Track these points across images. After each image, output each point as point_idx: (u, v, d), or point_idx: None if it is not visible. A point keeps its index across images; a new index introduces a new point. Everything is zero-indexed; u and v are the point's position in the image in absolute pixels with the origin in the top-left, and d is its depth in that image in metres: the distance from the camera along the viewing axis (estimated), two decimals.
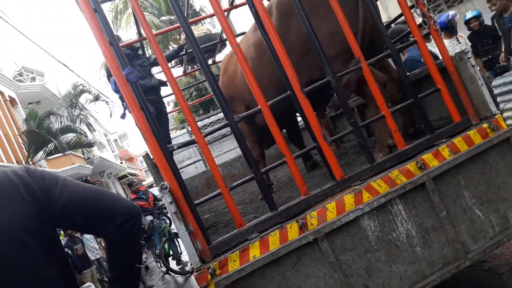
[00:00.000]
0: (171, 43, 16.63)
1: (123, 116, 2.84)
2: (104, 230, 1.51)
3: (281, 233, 2.18)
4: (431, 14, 2.62)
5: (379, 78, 2.84)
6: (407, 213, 2.31)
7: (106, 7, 5.37)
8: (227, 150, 6.62)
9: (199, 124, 7.29)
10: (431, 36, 2.81)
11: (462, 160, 2.41)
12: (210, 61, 7.13)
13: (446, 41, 5.75)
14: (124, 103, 2.26)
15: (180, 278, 7.47)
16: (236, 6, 5.09)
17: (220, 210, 3.82)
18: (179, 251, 7.81)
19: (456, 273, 2.33)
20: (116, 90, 2.29)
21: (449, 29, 5.80)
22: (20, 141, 14.71)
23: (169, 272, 7.66)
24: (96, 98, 19.62)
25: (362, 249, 2.23)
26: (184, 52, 5.84)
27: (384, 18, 8.03)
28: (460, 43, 5.75)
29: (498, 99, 4.90)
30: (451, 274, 2.30)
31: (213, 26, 15.43)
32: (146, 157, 2.78)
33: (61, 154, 15.22)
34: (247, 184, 4.69)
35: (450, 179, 2.41)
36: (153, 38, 2.43)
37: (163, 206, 7.87)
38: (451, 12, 5.89)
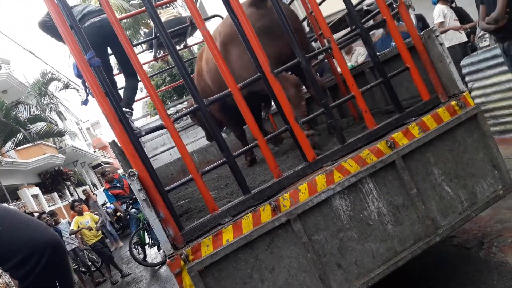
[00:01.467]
0: (142, 27, 16.24)
1: (85, 102, 2.73)
2: (4, 268, 1.25)
3: (254, 216, 2.16)
4: None
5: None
6: (378, 191, 2.33)
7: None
8: (202, 136, 6.54)
9: (173, 109, 7.17)
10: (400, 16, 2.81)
11: (431, 138, 2.44)
12: (182, 45, 7.00)
13: (443, 6, 5.81)
14: (87, 89, 2.17)
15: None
16: None
17: (195, 197, 3.78)
18: (156, 238, 7.77)
19: (426, 249, 2.38)
20: (79, 75, 2.19)
21: None
22: None
23: (141, 264, 7.60)
24: (66, 86, 19.06)
25: (334, 229, 2.25)
26: (153, 36, 5.69)
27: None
28: (453, 7, 5.78)
29: (466, 78, 5.00)
30: (422, 250, 2.36)
31: (184, 10, 15.11)
32: (113, 144, 2.70)
33: (31, 144, 14.78)
34: (223, 169, 4.67)
35: (420, 157, 2.44)
36: (117, 21, 2.34)
37: None
38: None
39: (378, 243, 2.31)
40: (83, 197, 13.02)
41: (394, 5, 2.71)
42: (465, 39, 5.92)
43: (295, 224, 2.17)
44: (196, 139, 6.50)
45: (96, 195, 13.00)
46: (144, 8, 3.95)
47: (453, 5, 6.27)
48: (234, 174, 2.34)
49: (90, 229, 7.82)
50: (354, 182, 2.28)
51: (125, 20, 14.35)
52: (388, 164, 2.35)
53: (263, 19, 3.08)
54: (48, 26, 4.51)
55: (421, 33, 2.66)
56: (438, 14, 5.75)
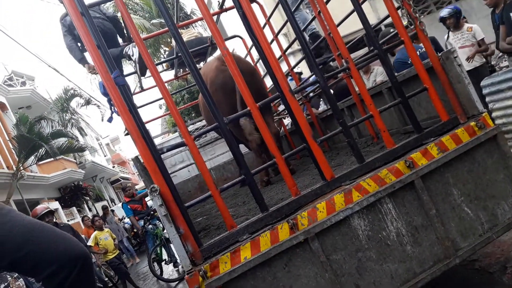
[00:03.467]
0: (162, 46, 16.60)
1: (110, 119, 2.83)
2: (37, 278, 1.30)
3: (272, 234, 2.18)
4: (417, 15, 2.65)
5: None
6: (397, 211, 2.32)
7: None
8: (220, 153, 6.61)
9: (192, 127, 7.28)
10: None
11: (450, 158, 2.44)
12: (201, 64, 7.14)
13: (456, 33, 5.79)
14: (112, 106, 2.25)
15: (174, 283, 7.44)
16: (226, 10, 5.09)
17: (212, 214, 3.81)
18: (173, 255, 7.80)
19: (447, 272, 2.35)
20: (105, 93, 2.28)
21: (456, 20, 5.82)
22: (11, 146, 14.59)
23: (160, 280, 7.63)
24: (87, 102, 19.53)
25: (352, 249, 2.24)
26: (175, 56, 5.83)
27: (374, 20, 8.08)
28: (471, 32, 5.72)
29: (487, 99, 4.95)
30: (441, 272, 2.32)
31: (204, 30, 15.43)
32: (136, 160, 2.77)
33: (52, 159, 15.10)
34: (240, 187, 4.71)
35: (439, 177, 2.43)
36: (141, 41, 2.43)
37: (155, 209, 7.85)
38: (447, 9, 5.89)
39: (397, 264, 2.29)
40: (101, 212, 13.16)
41: (411, 27, 2.74)
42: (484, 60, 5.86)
43: (313, 243, 2.18)
44: (214, 156, 6.57)
45: (114, 211, 13.12)
46: (166, 28, 4.09)
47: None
48: (252, 191, 2.37)
49: (106, 251, 7.89)
50: (372, 202, 2.28)
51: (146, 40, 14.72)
52: (407, 184, 2.34)
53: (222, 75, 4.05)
54: (73, 48, 4.73)
55: (439, 54, 2.68)
56: (480, 32, 5.70)
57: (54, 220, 8.03)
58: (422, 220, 2.35)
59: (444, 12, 5.77)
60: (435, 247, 2.35)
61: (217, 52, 4.30)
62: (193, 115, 17.20)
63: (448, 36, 5.97)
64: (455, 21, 5.72)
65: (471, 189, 2.48)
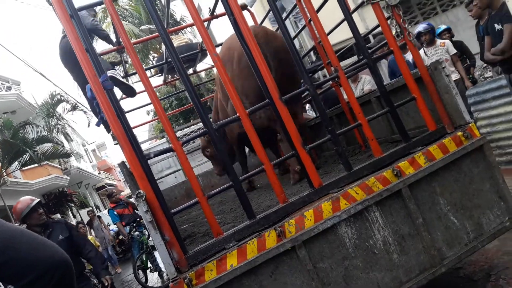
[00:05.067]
0: (151, 52, 16.56)
1: (98, 123, 2.80)
2: (16, 286, 1.29)
3: (259, 242, 2.16)
4: (406, 25, 2.68)
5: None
6: (384, 220, 2.32)
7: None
8: (207, 160, 6.58)
9: (180, 133, 7.24)
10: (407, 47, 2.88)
11: (437, 167, 2.45)
12: (190, 71, 7.12)
13: (429, 48, 5.89)
14: (100, 110, 2.23)
15: None
16: (216, 16, 5.10)
17: (199, 220, 3.77)
18: (157, 263, 7.69)
19: (432, 279, 2.35)
20: (92, 97, 2.25)
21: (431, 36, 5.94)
22: None
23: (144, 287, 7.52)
24: (74, 108, 19.27)
25: (339, 257, 2.23)
26: (164, 61, 5.82)
27: (362, 29, 8.17)
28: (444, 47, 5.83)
29: (472, 108, 5.04)
30: (427, 281, 2.33)
31: (193, 36, 15.44)
32: (122, 165, 2.73)
33: (36, 165, 14.85)
34: (228, 194, 4.67)
35: (426, 186, 2.44)
36: (131, 46, 2.42)
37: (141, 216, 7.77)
38: (423, 25, 6.02)
39: (383, 272, 2.28)
40: (86, 218, 12.95)
41: (400, 38, 2.76)
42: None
43: (300, 251, 2.16)
44: (201, 162, 6.53)
45: (101, 217, 12.90)
46: (157, 33, 4.05)
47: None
48: (240, 198, 2.35)
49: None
50: (360, 210, 2.28)
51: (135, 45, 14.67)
52: (394, 193, 2.35)
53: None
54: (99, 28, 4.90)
55: (428, 65, 2.71)
56: (453, 48, 5.83)
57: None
58: (409, 228, 2.35)
59: (421, 27, 5.93)
60: (422, 255, 2.35)
61: (250, 22, 3.83)
62: (181, 121, 17.14)
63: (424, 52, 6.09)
64: (430, 37, 5.88)
65: (458, 199, 2.49)
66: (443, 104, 2.69)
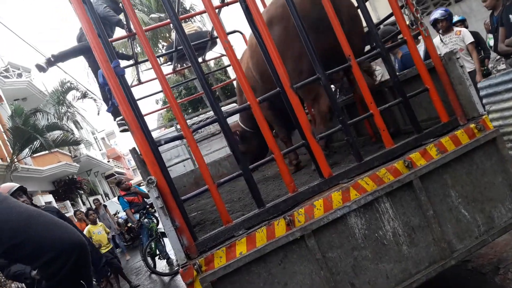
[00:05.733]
0: (161, 41, 16.55)
1: (109, 109, 2.81)
2: (33, 266, 1.32)
3: (268, 230, 2.16)
4: (418, 15, 2.63)
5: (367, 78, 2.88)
6: (394, 211, 2.31)
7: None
8: (216, 149, 6.59)
9: (188, 122, 7.25)
10: (420, 37, 2.83)
11: (449, 159, 2.43)
12: (200, 59, 7.11)
13: (445, 36, 5.75)
14: (112, 96, 2.23)
15: (167, 278, 7.41)
16: (227, 4, 5.07)
17: (207, 209, 3.78)
18: (165, 251, 7.77)
19: (440, 272, 2.34)
20: (104, 83, 2.25)
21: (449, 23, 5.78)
22: (5, 138, 14.46)
23: (154, 273, 7.61)
24: (84, 96, 19.38)
25: (348, 247, 2.23)
26: (174, 49, 5.82)
27: (373, 19, 8.08)
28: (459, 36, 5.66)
29: (484, 100, 4.96)
30: (437, 273, 2.32)
31: (203, 25, 15.39)
32: (133, 151, 2.74)
33: (47, 151, 15.00)
34: (236, 183, 4.69)
35: (437, 178, 2.42)
36: (143, 33, 2.41)
37: (151, 203, 7.83)
38: (440, 11, 5.85)
39: (392, 264, 2.28)
40: (93, 207, 13.09)
41: (413, 27, 2.72)
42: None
43: (309, 240, 2.16)
44: (210, 152, 6.55)
45: (106, 206, 13.02)
46: (168, 20, 4.03)
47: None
48: (249, 186, 2.35)
49: (99, 246, 7.84)
50: (370, 201, 2.27)
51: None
52: (405, 184, 2.33)
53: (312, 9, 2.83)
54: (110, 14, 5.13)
55: (442, 55, 2.67)
56: (469, 36, 5.65)
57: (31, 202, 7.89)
58: (419, 220, 2.34)
59: (437, 14, 5.71)
60: (431, 248, 2.34)
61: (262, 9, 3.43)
62: (189, 111, 17.17)
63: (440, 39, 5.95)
64: (447, 24, 5.68)
65: (469, 191, 2.47)
66: (456, 95, 2.65)
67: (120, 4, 5.52)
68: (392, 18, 2.87)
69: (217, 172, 5.99)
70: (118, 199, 9.08)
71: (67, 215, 16.40)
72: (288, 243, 2.15)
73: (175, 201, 2.16)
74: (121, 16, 5.51)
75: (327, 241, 2.21)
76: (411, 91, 2.70)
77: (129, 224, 12.50)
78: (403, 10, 2.71)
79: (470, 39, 5.58)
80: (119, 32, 5.93)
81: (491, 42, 5.95)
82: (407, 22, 2.71)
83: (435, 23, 5.65)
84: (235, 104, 7.59)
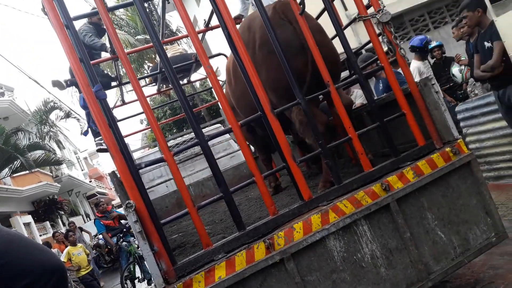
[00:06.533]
0: (146, 61, 16.60)
1: (85, 133, 2.81)
2: None
3: (247, 254, 2.16)
4: (397, 42, 2.73)
5: (346, 101, 2.94)
6: (372, 233, 2.34)
7: (79, 24, 5.41)
8: (200, 169, 6.57)
9: (172, 142, 7.24)
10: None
11: (426, 182, 2.49)
12: (185, 81, 7.17)
13: (419, 63, 5.91)
14: (90, 120, 2.24)
15: None
16: (211, 28, 5.15)
17: (189, 231, 3.76)
18: (148, 272, 7.64)
19: None
20: (84, 106, 2.26)
21: (424, 51, 5.97)
22: None
23: None
24: (67, 115, 19.22)
25: (327, 270, 2.24)
26: (158, 71, 5.86)
27: (355, 44, 8.28)
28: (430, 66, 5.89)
29: (461, 124, 5.11)
30: None
31: (189, 47, 15.53)
32: (112, 175, 2.73)
33: (27, 171, 14.73)
34: (219, 204, 4.68)
35: (414, 201, 2.47)
36: (125, 56, 2.45)
37: (129, 226, 7.73)
38: (428, 36, 6.09)
39: (370, 286, 2.30)
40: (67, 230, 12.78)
41: (391, 54, 2.81)
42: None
43: (288, 264, 2.17)
44: (193, 172, 6.52)
45: (82, 228, 12.70)
46: (151, 44, 4.08)
47: (431, 60, 6.48)
48: (230, 209, 2.36)
49: (79, 268, 7.67)
50: (348, 223, 2.30)
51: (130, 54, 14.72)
52: (383, 207, 2.38)
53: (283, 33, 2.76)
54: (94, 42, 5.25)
55: (418, 81, 2.75)
56: (414, 72, 5.77)
57: None
58: (396, 243, 2.37)
59: (416, 41, 5.91)
60: (409, 270, 2.37)
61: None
62: (174, 130, 17.11)
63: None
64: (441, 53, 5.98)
65: (445, 214, 2.53)
66: (432, 120, 2.73)
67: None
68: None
69: (200, 192, 5.96)
70: (94, 221, 8.94)
71: (46, 236, 16.03)
72: (267, 267, 2.15)
73: (154, 225, 2.15)
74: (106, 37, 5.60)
75: (306, 264, 2.22)
76: (390, 115, 2.77)
77: (109, 246, 12.24)
78: (382, 38, 2.80)
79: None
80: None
81: (454, 70, 6.21)
82: (385, 49, 2.81)
83: (431, 51, 5.88)
84: (219, 125, 7.61)
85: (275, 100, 2.92)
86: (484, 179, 2.66)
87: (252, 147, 5.03)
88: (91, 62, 2.82)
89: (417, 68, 5.74)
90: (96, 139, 5.54)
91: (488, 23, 3.91)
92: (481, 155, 4.95)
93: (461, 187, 2.61)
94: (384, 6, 2.68)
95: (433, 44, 6.56)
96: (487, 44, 3.93)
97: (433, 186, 2.53)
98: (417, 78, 5.66)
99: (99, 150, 5.69)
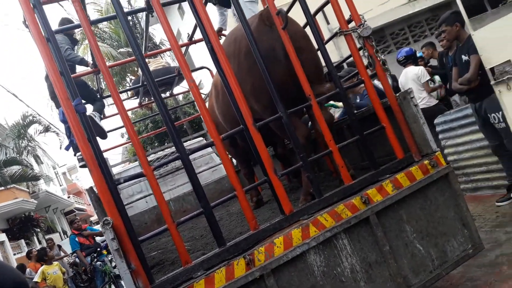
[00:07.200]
0: (129, 74, 16.49)
1: (67, 147, 2.76)
2: None
3: (227, 270, 2.13)
4: (379, 55, 2.77)
5: (326, 116, 2.96)
6: (352, 247, 2.35)
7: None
8: (181, 184, 6.50)
9: (153, 156, 7.16)
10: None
11: (404, 195, 2.52)
12: (168, 94, 7.14)
13: (418, 67, 6.03)
14: (71, 134, 2.20)
15: None
16: (195, 42, 5.17)
17: (168, 247, 3.70)
18: None
19: None
20: (63, 121, 2.22)
21: (416, 58, 6.14)
22: None
23: None
24: (46, 129, 18.87)
25: (307, 285, 2.23)
26: (140, 84, 5.83)
27: (336, 57, 8.41)
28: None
29: (440, 136, 5.20)
30: None
31: (172, 60, 15.51)
32: (90, 190, 2.68)
33: (2, 188, 14.31)
34: (199, 219, 4.63)
35: (393, 214, 2.49)
36: (107, 69, 2.42)
37: (105, 244, 7.57)
38: (405, 49, 6.25)
39: None
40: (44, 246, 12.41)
41: (370, 68, 2.86)
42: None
43: (268, 280, 2.15)
44: (174, 186, 6.45)
45: (61, 246, 12.32)
46: (133, 57, 4.08)
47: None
48: (210, 225, 2.33)
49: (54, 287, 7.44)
50: (328, 237, 2.30)
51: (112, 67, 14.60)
52: (362, 220, 2.39)
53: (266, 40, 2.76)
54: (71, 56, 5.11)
55: (397, 94, 2.80)
56: (423, 73, 5.91)
57: None
58: (376, 256, 2.38)
59: (403, 53, 6.11)
60: (388, 283, 2.38)
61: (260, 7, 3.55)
62: (156, 144, 16.94)
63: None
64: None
65: (423, 226, 2.55)
66: (411, 133, 2.77)
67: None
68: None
69: (181, 207, 5.90)
70: (69, 238, 8.73)
71: (20, 255, 15.50)
72: (247, 284, 2.12)
73: (132, 242, 2.11)
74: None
75: (286, 279, 2.20)
76: (370, 128, 2.80)
77: None
78: (363, 52, 2.84)
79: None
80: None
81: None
82: (365, 63, 2.85)
83: (409, 58, 6.00)
84: (202, 138, 7.57)
85: (260, 110, 2.94)
86: (461, 191, 2.71)
87: (234, 161, 5.05)
88: (72, 75, 2.80)
89: (420, 69, 5.86)
90: (77, 154, 5.44)
91: (465, 37, 4.02)
92: (459, 166, 5.04)
93: (439, 199, 2.64)
94: (365, 21, 2.74)
95: (419, 54, 6.73)
96: (464, 58, 4.04)
97: (411, 198, 2.56)
98: (426, 78, 5.79)
99: (82, 166, 5.57)
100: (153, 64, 6.86)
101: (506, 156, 4.14)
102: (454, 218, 2.63)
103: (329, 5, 2.88)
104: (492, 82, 3.43)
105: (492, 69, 3.44)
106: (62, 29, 4.49)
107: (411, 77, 5.82)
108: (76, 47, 5.71)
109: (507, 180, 4.35)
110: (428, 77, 5.82)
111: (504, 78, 3.33)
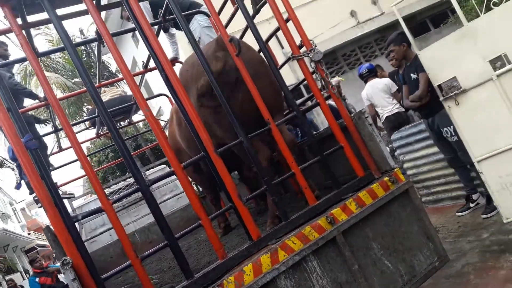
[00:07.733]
0: (85, 104, 16.09)
1: (18, 186, 2.63)
2: None
3: None
4: (329, 79, 2.85)
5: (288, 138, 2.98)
6: (322, 269, 2.34)
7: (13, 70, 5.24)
8: (145, 214, 6.32)
9: (115, 187, 6.95)
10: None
11: (368, 213, 2.55)
12: (126, 122, 7.01)
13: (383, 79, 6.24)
14: (22, 172, 2.10)
15: None
16: (150, 70, 5.13)
17: (135, 282, 3.55)
18: None
19: None
20: (13, 158, 2.12)
21: (376, 73, 6.35)
22: None
23: None
24: (0, 165, 17.98)
25: None
26: (96, 114, 5.69)
27: (293, 80, 8.57)
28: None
29: (397, 151, 5.36)
30: None
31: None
32: (47, 229, 2.55)
33: None
34: (167, 250, 4.50)
35: (359, 232, 2.52)
36: (57, 102, 2.35)
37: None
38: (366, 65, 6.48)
39: None
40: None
41: (323, 92, 2.92)
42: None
43: None
44: (138, 217, 6.26)
45: (23, 287, 11.62)
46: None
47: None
48: (176, 258, 2.26)
49: None
50: (298, 261, 2.28)
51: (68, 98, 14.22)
52: (330, 241, 2.39)
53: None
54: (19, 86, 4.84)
55: (352, 115, 2.87)
56: (392, 84, 6.06)
57: None
58: (346, 276, 2.38)
59: (364, 68, 6.33)
60: None
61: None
62: (118, 173, 16.48)
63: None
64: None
65: (390, 242, 2.59)
66: (369, 151, 2.84)
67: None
68: None
69: (147, 238, 5.72)
70: (29, 280, 8.23)
71: None
72: None
73: (95, 281, 2.01)
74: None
75: None
76: (331, 148, 2.84)
77: None
78: (315, 75, 2.91)
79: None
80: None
81: None
82: (319, 86, 2.92)
83: (371, 71, 6.22)
84: (164, 166, 7.44)
85: (221, 135, 2.93)
86: (422, 205, 2.79)
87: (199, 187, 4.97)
88: (20, 110, 2.69)
89: (388, 80, 6.09)
90: (33, 194, 5.18)
91: (413, 56, 4.21)
92: (419, 180, 5.20)
93: (401, 214, 2.70)
94: (315, 46, 2.81)
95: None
96: (413, 76, 4.22)
97: (375, 216, 2.60)
98: (395, 87, 5.96)
99: (41, 207, 5.31)
100: (109, 93, 6.74)
101: (461, 167, 4.31)
102: (418, 232, 2.69)
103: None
104: (441, 98, 3.59)
105: (439, 86, 3.61)
106: (7, 63, 4.36)
107: (381, 88, 6.01)
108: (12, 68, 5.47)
109: (464, 190, 4.53)
110: (396, 87, 6.05)
111: (452, 94, 3.50)
